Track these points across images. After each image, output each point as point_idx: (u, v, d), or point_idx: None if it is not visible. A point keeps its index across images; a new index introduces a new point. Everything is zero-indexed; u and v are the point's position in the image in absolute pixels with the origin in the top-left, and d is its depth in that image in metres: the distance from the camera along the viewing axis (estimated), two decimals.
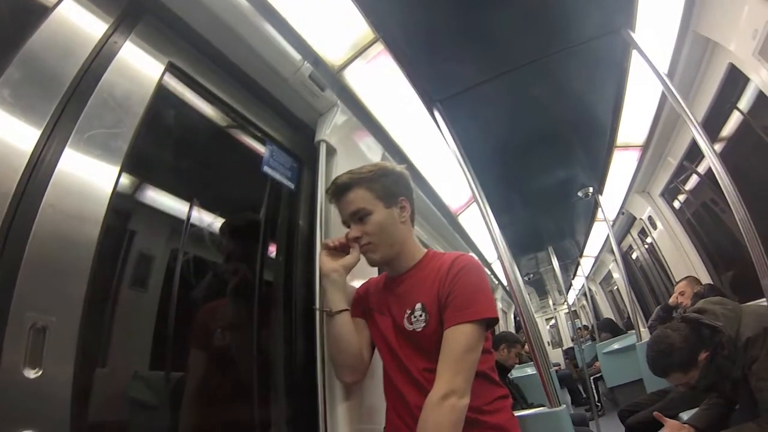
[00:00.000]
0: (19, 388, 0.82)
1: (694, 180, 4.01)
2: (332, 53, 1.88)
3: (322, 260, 1.46)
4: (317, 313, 1.50)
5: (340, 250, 1.47)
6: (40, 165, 0.96)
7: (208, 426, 1.41)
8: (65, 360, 0.89)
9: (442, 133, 2.37)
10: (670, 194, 4.48)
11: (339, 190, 1.43)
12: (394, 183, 1.46)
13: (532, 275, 8.29)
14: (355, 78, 2.01)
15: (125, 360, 1.20)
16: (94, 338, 1.04)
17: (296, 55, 1.72)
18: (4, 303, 0.83)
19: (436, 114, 2.39)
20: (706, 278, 4.01)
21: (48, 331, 0.87)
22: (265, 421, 1.59)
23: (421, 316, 1.31)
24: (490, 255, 5.00)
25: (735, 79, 2.68)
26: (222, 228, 1.63)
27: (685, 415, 2.35)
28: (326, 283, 1.43)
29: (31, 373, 0.83)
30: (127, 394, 1.19)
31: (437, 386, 1.17)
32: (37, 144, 0.97)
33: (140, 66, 1.28)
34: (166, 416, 1.32)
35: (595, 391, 6.10)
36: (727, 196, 1.94)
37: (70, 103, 1.05)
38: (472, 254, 1.62)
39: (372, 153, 2.20)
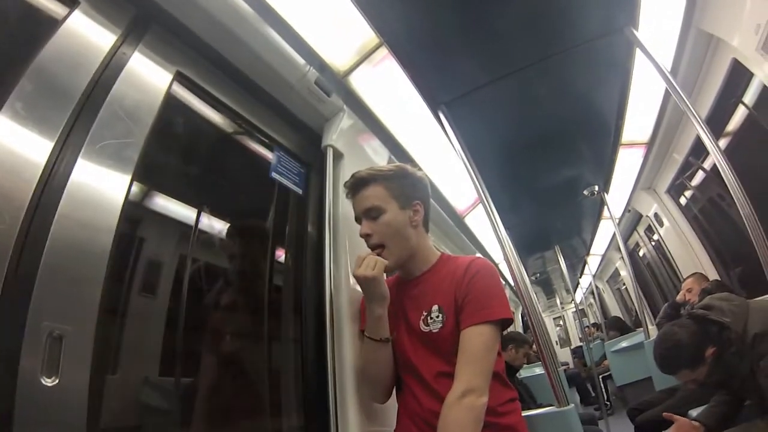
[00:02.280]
0: (38, 395, 0.83)
1: (700, 176, 4.00)
2: (337, 59, 1.89)
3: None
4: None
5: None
6: (54, 176, 0.98)
7: (223, 428, 1.43)
8: (82, 368, 0.91)
9: (448, 135, 2.38)
10: (676, 191, 4.46)
11: (357, 184, 1.43)
12: (412, 185, 1.47)
13: (539, 275, 8.26)
14: (360, 83, 2.02)
15: (140, 367, 1.22)
16: (109, 346, 1.06)
17: (302, 62, 1.74)
18: (22, 312, 0.85)
19: (441, 116, 2.39)
20: (713, 274, 3.99)
21: (65, 339, 0.88)
22: (277, 422, 1.60)
23: (438, 317, 1.32)
24: (497, 255, 4.99)
25: (739, 75, 2.68)
26: (232, 234, 1.65)
27: (695, 413, 2.34)
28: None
29: (49, 381, 0.85)
30: (142, 401, 1.21)
31: (456, 386, 1.18)
32: (50, 156, 0.99)
33: (149, 76, 1.30)
34: (181, 422, 1.33)
35: (604, 389, 6.06)
36: (732, 193, 1.94)
37: (81, 115, 1.08)
38: (479, 255, 1.62)
39: (378, 157, 2.21)
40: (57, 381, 0.86)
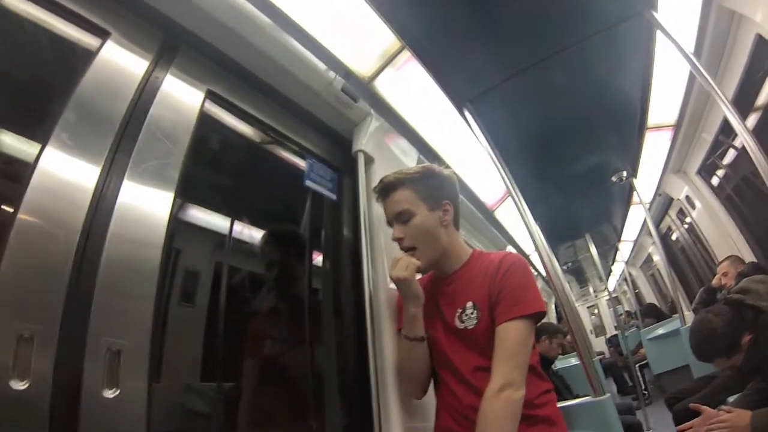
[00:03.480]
0: (100, 407, 0.90)
1: (731, 154, 3.90)
2: (362, 65, 1.92)
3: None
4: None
5: None
6: (102, 199, 1.05)
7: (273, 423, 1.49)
8: (140, 379, 0.97)
9: (474, 132, 2.39)
10: (707, 171, 4.36)
11: (385, 189, 1.45)
12: (440, 185, 1.48)
13: (570, 264, 8.18)
14: (385, 86, 2.04)
15: (193, 375, 1.28)
16: (164, 357, 1.13)
17: (327, 70, 1.77)
18: (82, 330, 0.92)
19: (467, 113, 2.41)
20: (750, 256, 3.89)
21: (122, 353, 0.95)
22: (322, 419, 1.65)
23: (472, 313, 1.34)
24: (528, 247, 4.95)
25: (764, 50, 2.62)
26: (273, 242, 1.71)
27: (732, 400, 2.30)
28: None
29: (110, 393, 0.91)
30: (195, 408, 1.27)
31: (493, 380, 1.20)
32: (97, 181, 1.05)
33: (182, 97, 1.36)
34: (236, 420, 1.40)
35: (641, 378, 5.96)
36: (762, 173, 1.90)
37: (123, 140, 1.14)
38: (510, 248, 1.63)
39: (408, 158, 2.22)
40: (118, 392, 0.92)
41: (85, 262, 0.96)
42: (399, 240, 1.42)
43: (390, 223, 1.47)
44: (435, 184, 1.47)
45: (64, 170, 1.01)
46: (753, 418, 1.74)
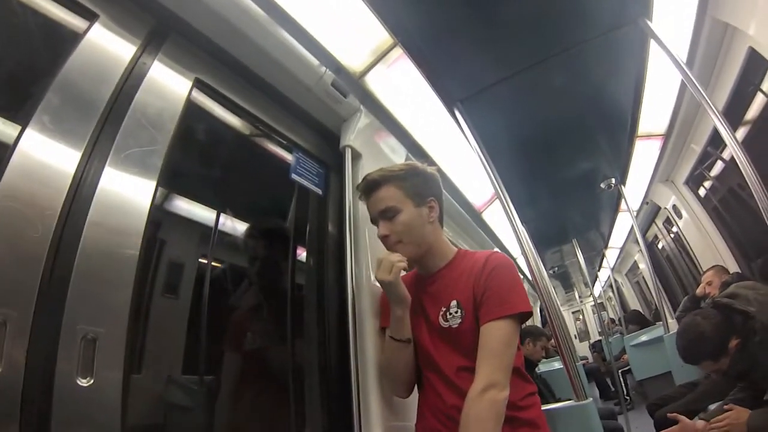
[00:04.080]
0: (74, 395, 0.88)
1: (719, 166, 3.94)
2: (353, 60, 1.91)
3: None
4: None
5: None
6: (83, 185, 1.02)
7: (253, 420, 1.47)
8: (115, 368, 0.95)
9: (464, 132, 2.38)
10: (694, 182, 4.40)
11: (369, 187, 1.44)
12: (424, 183, 1.47)
13: (557, 268, 8.20)
14: (376, 83, 2.03)
15: (169, 367, 1.26)
16: (140, 347, 1.11)
17: (318, 64, 1.76)
18: (57, 316, 0.89)
19: (457, 113, 2.39)
20: (734, 267, 3.93)
21: (98, 341, 0.93)
22: (302, 416, 1.63)
23: (456, 312, 1.33)
24: (515, 250, 4.96)
25: (756, 64, 2.64)
26: (255, 235, 1.69)
27: (714, 407, 2.32)
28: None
29: (84, 382, 0.89)
30: (171, 400, 1.25)
31: (477, 380, 1.18)
32: (78, 166, 1.03)
33: (169, 84, 1.34)
34: (213, 416, 1.38)
35: (623, 384, 6.00)
36: (750, 185, 1.91)
37: (106, 125, 1.12)
38: (497, 250, 1.63)
39: (396, 155, 2.22)
40: (92, 381, 0.90)
41: (62, 248, 0.94)
42: (385, 238, 1.40)
43: (374, 221, 1.45)
44: (420, 182, 1.46)
45: (44, 154, 0.98)
46: (750, 418, 1.76)
